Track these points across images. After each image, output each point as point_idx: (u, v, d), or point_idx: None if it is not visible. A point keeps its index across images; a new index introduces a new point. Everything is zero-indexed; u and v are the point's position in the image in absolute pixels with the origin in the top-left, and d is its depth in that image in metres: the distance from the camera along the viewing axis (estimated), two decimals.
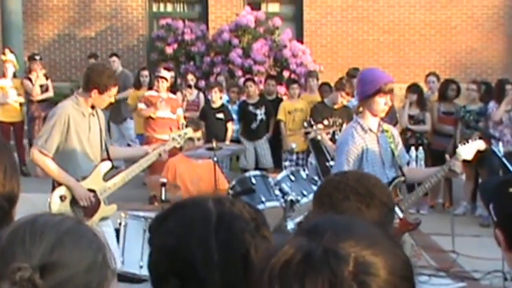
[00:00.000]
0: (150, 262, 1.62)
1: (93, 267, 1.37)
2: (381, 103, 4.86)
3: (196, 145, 7.40)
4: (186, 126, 6.27)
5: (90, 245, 1.39)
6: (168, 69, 11.40)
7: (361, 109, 5.06)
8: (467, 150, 5.08)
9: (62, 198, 5.41)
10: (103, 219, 5.60)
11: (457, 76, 12.58)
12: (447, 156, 5.28)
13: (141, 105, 10.31)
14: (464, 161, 5.37)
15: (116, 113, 12.06)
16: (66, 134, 5.38)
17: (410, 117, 10.18)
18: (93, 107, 5.54)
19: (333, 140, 8.70)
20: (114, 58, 12.98)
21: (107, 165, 5.62)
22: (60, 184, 5.43)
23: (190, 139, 6.63)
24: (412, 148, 9.14)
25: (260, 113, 10.82)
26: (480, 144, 5.15)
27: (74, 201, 5.42)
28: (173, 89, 11.35)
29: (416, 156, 9.14)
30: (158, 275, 1.59)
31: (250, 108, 10.86)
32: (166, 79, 10.34)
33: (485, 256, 7.14)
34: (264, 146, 10.85)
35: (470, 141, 5.15)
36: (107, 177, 5.64)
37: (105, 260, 1.40)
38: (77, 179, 5.44)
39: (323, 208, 2.43)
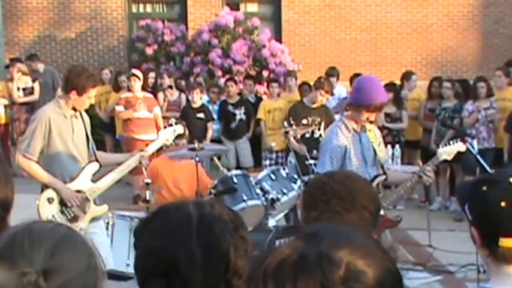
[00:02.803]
0: (136, 264, 1.69)
1: (89, 270, 1.45)
2: (364, 117, 5.00)
3: (181, 144, 7.46)
4: (176, 123, 6.17)
5: (84, 249, 1.47)
6: (141, 70, 11.44)
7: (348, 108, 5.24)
8: (448, 151, 5.27)
9: (50, 200, 5.42)
10: (94, 219, 5.61)
11: (432, 74, 12.73)
12: (420, 162, 5.44)
13: (119, 108, 10.48)
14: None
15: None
16: (48, 136, 5.38)
17: (387, 115, 10.30)
18: (75, 109, 5.53)
19: (310, 139, 8.78)
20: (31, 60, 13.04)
21: (95, 166, 5.62)
22: (47, 187, 5.45)
23: (180, 136, 6.60)
24: (389, 146, 9.30)
25: (239, 113, 10.92)
26: (461, 147, 5.33)
27: (62, 203, 5.45)
28: (153, 90, 11.45)
29: (393, 153, 9.30)
30: (144, 275, 1.66)
31: (230, 108, 10.96)
32: (138, 77, 10.43)
33: (459, 250, 7.35)
34: (243, 146, 10.94)
35: (451, 142, 5.33)
36: (95, 178, 5.64)
37: (97, 262, 1.48)
38: (64, 180, 5.45)
39: (306, 208, 2.51)
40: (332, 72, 11.42)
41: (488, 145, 9.75)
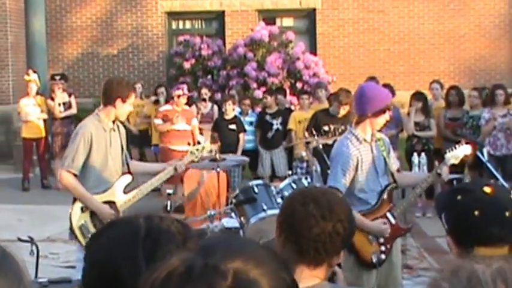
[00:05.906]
0: (83, 278, 1.65)
1: None
2: (385, 118, 5.10)
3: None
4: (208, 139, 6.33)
5: (15, 278, 1.35)
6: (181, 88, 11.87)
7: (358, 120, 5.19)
8: (455, 155, 5.33)
9: (83, 209, 5.51)
10: None
11: (466, 83, 12.86)
12: (436, 162, 5.53)
13: (158, 121, 10.85)
14: (470, 165, 5.60)
15: None
16: (89, 151, 5.45)
17: (416, 123, 10.46)
18: (113, 122, 5.60)
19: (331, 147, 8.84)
20: None
21: (127, 178, 5.71)
22: None
23: (209, 152, 6.63)
24: (415, 154, 9.41)
25: (276, 123, 11.16)
26: (466, 149, 5.40)
27: (94, 213, 5.53)
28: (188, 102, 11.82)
29: (419, 161, 9.41)
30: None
31: (267, 117, 11.22)
32: (185, 96, 10.85)
33: None
34: (279, 155, 11.19)
35: (457, 146, 5.40)
36: (127, 189, 5.70)
37: None
38: (98, 192, 5.52)
39: (283, 211, 2.56)
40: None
41: (507, 152, 9.85)
